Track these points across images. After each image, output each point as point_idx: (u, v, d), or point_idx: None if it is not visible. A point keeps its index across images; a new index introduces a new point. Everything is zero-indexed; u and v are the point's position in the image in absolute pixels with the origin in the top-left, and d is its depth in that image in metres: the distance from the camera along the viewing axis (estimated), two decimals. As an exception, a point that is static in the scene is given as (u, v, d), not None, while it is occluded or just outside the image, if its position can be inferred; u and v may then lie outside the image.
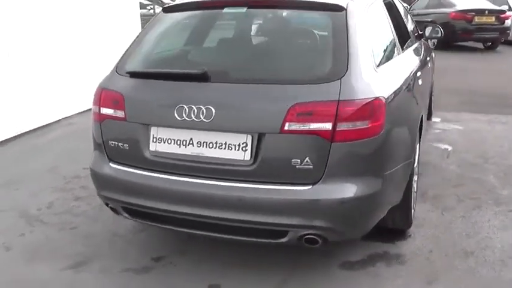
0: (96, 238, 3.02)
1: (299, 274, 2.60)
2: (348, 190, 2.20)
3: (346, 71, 2.24)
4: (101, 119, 2.58)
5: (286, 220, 2.23)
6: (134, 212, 2.57)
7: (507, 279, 2.52)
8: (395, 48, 3.03)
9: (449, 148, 4.55)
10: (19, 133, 5.15)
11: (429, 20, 11.13)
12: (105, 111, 2.56)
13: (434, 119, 5.52)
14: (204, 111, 2.28)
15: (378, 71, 2.43)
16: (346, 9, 2.47)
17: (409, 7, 11.01)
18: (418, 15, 11.38)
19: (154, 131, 2.42)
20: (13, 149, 4.80)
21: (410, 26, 3.98)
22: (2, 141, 4.93)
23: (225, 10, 2.68)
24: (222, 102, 2.31)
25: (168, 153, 2.40)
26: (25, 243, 3.00)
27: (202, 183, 2.32)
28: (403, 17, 3.85)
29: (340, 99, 2.16)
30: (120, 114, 2.51)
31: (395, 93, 2.48)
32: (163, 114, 2.37)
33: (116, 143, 2.54)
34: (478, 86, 7.53)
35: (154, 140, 2.43)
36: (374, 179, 2.28)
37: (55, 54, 5.66)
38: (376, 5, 3.01)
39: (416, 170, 2.97)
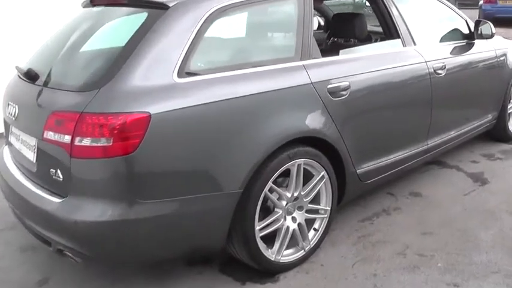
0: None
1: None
2: (86, 212, 1.96)
3: (111, 79, 1.97)
4: None
5: (42, 230, 2.13)
6: None
7: None
8: (296, 55, 2.46)
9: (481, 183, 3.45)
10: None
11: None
12: None
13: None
14: (14, 109, 2.33)
15: (180, 80, 2.05)
16: (169, 9, 2.15)
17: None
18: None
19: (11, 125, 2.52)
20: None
21: (413, 25, 3.11)
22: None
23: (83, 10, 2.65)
24: (23, 103, 2.31)
25: (13, 145, 2.51)
26: None
27: (18, 181, 2.34)
28: (395, 15, 3.04)
29: (84, 110, 1.92)
30: None
31: (202, 108, 2.05)
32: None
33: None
34: None
35: (11, 132, 2.54)
36: (124, 205, 1.96)
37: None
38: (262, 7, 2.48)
39: (283, 204, 2.41)
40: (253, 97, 2.19)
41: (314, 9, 4.14)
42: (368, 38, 3.44)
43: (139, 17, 2.26)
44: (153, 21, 2.13)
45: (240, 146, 2.13)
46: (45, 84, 2.27)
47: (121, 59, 2.04)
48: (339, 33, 3.29)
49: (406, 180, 3.48)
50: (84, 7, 2.79)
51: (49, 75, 2.34)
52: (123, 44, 2.14)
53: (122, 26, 2.51)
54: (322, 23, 4.48)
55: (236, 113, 2.14)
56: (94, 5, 2.64)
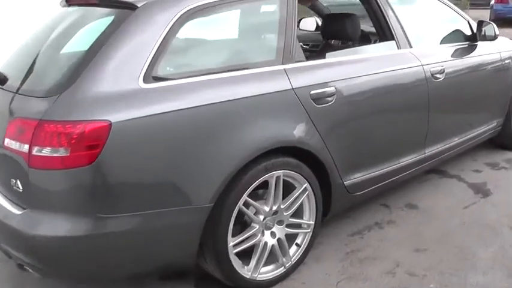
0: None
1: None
2: (45, 226, 1.83)
3: (72, 84, 1.85)
4: None
5: (1, 242, 2.00)
6: None
7: None
8: (277, 58, 2.28)
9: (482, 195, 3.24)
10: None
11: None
12: None
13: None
14: None
15: (146, 86, 1.90)
16: (137, 9, 2.00)
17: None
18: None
19: None
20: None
21: (407, 26, 2.91)
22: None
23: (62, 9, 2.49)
24: None
25: None
26: None
27: None
28: (389, 15, 2.84)
29: (43, 118, 1.80)
30: None
31: (170, 116, 1.89)
32: None
33: None
34: None
35: None
36: (85, 220, 1.82)
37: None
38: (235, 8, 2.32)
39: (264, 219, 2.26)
40: (225, 104, 2.02)
41: (310, 8, 4.02)
42: (366, 40, 3.26)
43: (110, 19, 2.12)
44: (120, 22, 1.99)
45: (211, 157, 1.96)
46: (12, 88, 2.13)
47: (84, 63, 1.90)
48: (331, 34, 3.10)
49: (403, 191, 3.29)
50: (62, 7, 2.67)
51: (17, 78, 2.20)
52: (88, 47, 2.00)
53: (93, 27, 2.36)
54: (320, 24, 4.29)
55: (206, 121, 1.97)
56: (70, 5, 2.51)
